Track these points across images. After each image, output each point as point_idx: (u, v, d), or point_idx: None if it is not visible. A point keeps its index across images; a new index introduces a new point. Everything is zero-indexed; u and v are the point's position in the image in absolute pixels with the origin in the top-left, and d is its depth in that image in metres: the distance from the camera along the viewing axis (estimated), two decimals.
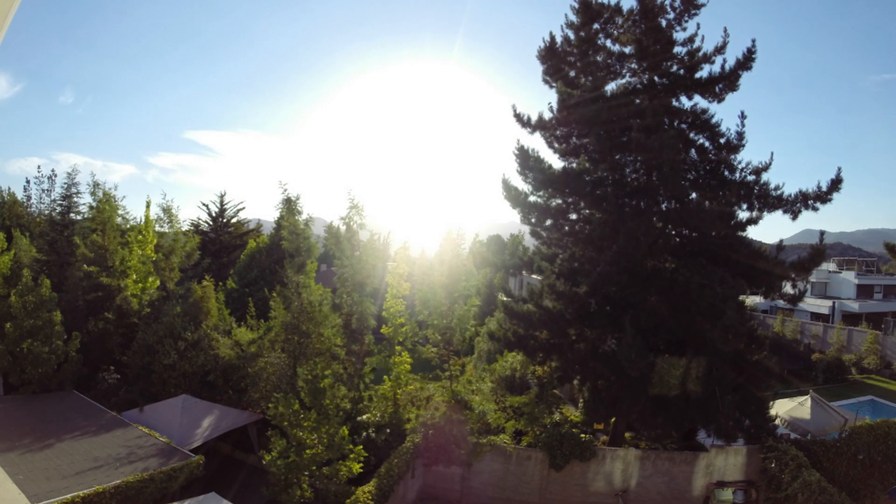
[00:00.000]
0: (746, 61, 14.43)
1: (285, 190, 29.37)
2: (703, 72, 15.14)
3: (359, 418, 17.07)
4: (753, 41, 14.41)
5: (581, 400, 18.11)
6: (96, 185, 24.89)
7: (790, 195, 14.29)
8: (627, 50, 15.66)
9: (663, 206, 15.33)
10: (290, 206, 28.22)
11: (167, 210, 26.99)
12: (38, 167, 75.09)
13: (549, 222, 16.27)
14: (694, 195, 15.41)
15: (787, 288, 14.81)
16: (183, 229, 30.30)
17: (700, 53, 14.96)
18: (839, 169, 13.74)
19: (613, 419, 16.57)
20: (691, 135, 15.70)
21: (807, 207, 14.16)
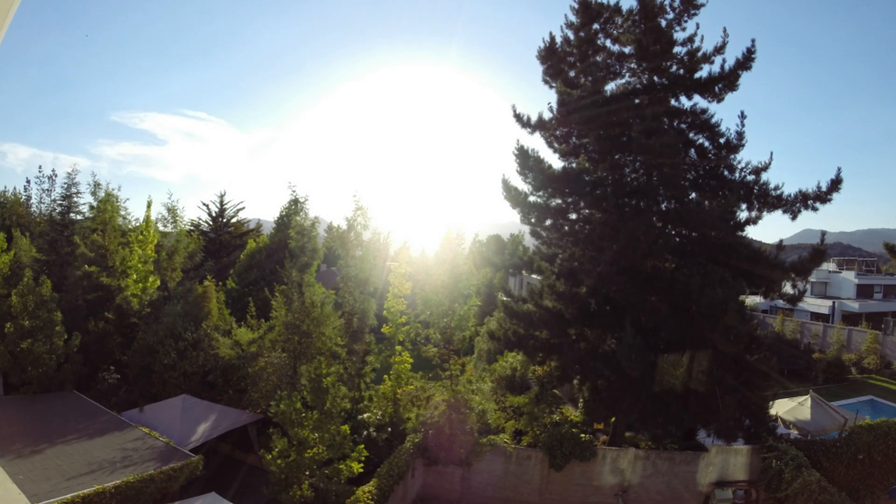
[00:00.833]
0: (746, 61, 14.43)
1: (294, 191, 29.43)
2: (703, 72, 15.14)
3: (359, 418, 17.08)
4: (753, 41, 14.42)
5: (581, 400, 18.12)
6: (97, 185, 24.97)
7: (790, 195, 14.29)
8: (627, 50, 15.67)
9: (663, 206, 15.34)
10: (296, 206, 28.27)
11: (171, 210, 27.05)
12: (40, 167, 75.05)
13: (548, 222, 16.27)
14: (694, 195, 15.41)
15: (787, 288, 14.80)
16: (186, 229, 30.39)
17: (700, 53, 14.97)
18: (839, 169, 13.74)
19: (613, 419, 16.58)
20: (691, 135, 15.70)
21: (806, 207, 14.17)
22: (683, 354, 13.68)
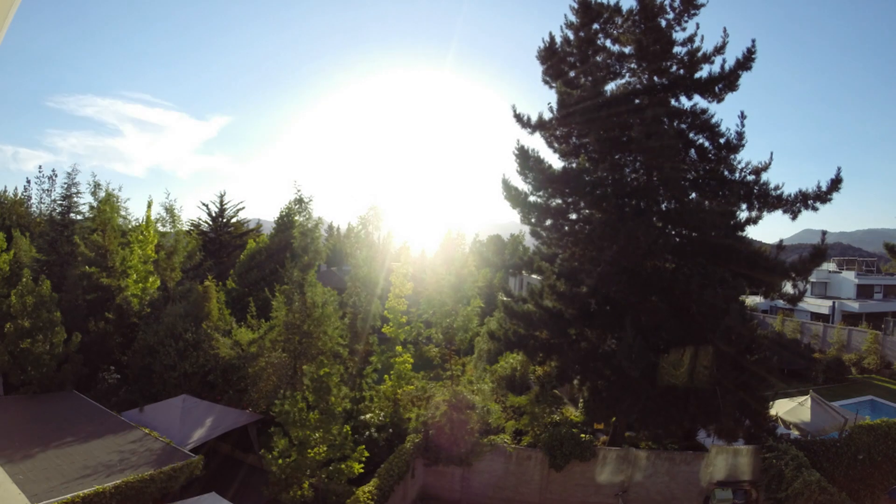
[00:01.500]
0: (746, 61, 14.43)
1: (298, 189, 29.50)
2: (703, 72, 15.16)
3: (360, 418, 17.09)
4: (753, 41, 14.44)
5: (581, 400, 18.11)
6: (97, 185, 25.01)
7: (790, 195, 14.29)
8: (627, 50, 15.67)
9: (663, 206, 15.34)
10: (300, 205, 28.31)
11: (170, 210, 27.09)
12: (40, 167, 75.18)
13: (549, 222, 16.27)
14: (694, 195, 15.42)
15: (788, 288, 14.80)
16: (184, 229, 30.42)
17: (700, 53, 14.97)
18: (839, 169, 13.74)
19: (613, 419, 16.57)
20: (691, 135, 15.70)
21: (807, 207, 14.17)
22: (683, 354, 13.68)
